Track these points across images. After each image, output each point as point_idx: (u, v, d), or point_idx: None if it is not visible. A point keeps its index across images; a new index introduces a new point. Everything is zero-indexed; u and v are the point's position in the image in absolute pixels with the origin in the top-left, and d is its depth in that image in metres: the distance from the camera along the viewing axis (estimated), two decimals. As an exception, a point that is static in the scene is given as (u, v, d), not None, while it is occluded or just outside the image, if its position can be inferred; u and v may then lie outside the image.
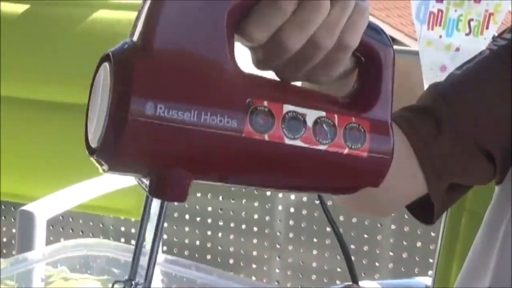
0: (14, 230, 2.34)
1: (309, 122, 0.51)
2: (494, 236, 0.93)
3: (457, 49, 1.98)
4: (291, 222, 2.16)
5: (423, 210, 0.88)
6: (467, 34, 1.94)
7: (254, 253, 2.19)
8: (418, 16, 1.97)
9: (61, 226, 2.21)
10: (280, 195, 2.10)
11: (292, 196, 2.08)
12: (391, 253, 2.11)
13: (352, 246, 2.07)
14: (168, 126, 0.47)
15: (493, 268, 0.91)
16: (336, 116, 0.53)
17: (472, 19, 1.93)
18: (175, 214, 2.24)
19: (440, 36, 1.96)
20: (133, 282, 0.54)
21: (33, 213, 1.40)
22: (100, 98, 0.49)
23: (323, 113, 0.52)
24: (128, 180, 1.71)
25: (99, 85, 0.50)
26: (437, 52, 2.00)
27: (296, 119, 0.51)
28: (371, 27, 0.56)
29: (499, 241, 0.91)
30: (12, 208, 2.37)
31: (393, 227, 2.12)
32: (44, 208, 1.43)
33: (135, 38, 0.49)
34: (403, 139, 0.83)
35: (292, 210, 2.12)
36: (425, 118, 0.85)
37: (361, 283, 0.91)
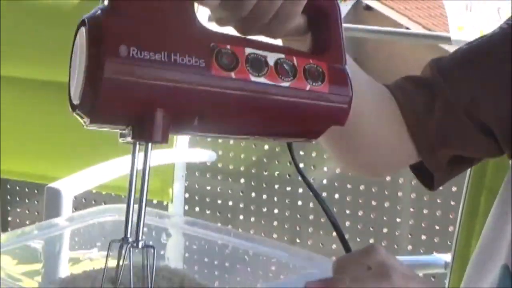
0: (36, 213, 2.40)
1: (271, 62, 0.56)
2: (509, 210, 0.92)
3: None
4: (311, 205, 2.18)
5: (428, 176, 0.89)
6: (498, 21, 1.97)
7: (275, 235, 2.22)
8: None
9: (84, 208, 2.25)
10: (300, 178, 2.12)
11: (312, 180, 2.10)
12: (409, 236, 2.11)
13: (371, 229, 2.09)
14: (141, 68, 0.50)
15: (508, 244, 0.90)
16: (294, 57, 0.57)
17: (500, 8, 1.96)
18: (196, 197, 2.28)
19: (472, 22, 2.01)
20: (129, 239, 0.55)
21: (60, 190, 1.43)
22: (79, 58, 0.53)
23: (282, 55, 0.57)
24: (152, 160, 1.74)
25: (77, 48, 0.54)
26: (468, 37, 2.02)
27: (258, 60, 0.55)
28: None
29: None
30: (36, 191, 2.42)
31: (411, 209, 2.13)
32: (71, 185, 1.46)
33: (105, 2, 0.53)
34: (395, 109, 0.85)
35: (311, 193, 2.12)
36: (421, 90, 0.86)
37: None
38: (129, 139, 0.54)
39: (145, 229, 0.87)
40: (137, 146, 0.55)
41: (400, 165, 0.93)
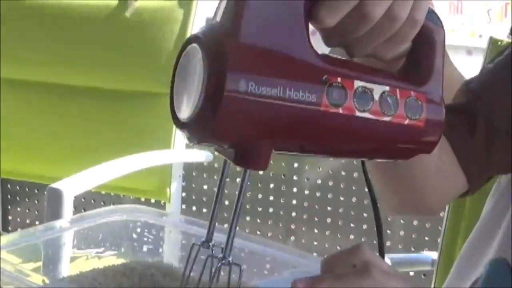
0: (36, 212, 2.42)
1: (376, 96, 0.56)
2: (505, 209, 0.94)
3: (480, 36, 2.04)
4: (305, 204, 2.18)
5: None
6: (488, 22, 2.00)
7: (269, 234, 2.23)
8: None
9: (83, 208, 2.27)
10: (295, 177, 2.14)
11: (306, 179, 2.13)
12: (400, 234, 2.12)
13: (364, 226, 2.10)
14: (258, 101, 0.51)
15: (501, 238, 0.93)
16: (398, 90, 0.58)
17: (490, 9, 1.98)
18: (193, 197, 2.29)
19: (463, 24, 2.02)
20: (210, 244, 0.59)
21: (61, 190, 1.46)
22: (190, 76, 0.52)
23: (387, 88, 0.57)
24: (150, 161, 1.79)
25: (187, 64, 0.53)
26: (460, 39, 2.07)
27: (365, 94, 0.56)
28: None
29: (509, 214, 0.92)
30: (36, 190, 2.44)
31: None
32: (72, 185, 1.49)
33: (220, 19, 0.52)
34: (442, 140, 0.83)
35: (306, 192, 2.15)
36: (460, 116, 0.86)
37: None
38: (227, 157, 0.55)
39: (144, 226, 0.90)
40: (228, 163, 0.56)
41: (452, 197, 0.93)
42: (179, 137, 1.81)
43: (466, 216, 1.32)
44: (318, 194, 2.13)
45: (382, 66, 0.61)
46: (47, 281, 0.76)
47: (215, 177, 2.23)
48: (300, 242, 2.20)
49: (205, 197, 2.28)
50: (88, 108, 1.90)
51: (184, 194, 2.25)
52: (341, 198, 2.13)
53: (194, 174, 2.23)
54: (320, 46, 0.58)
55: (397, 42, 0.59)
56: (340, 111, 0.55)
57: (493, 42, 1.28)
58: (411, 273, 1.82)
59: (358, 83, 0.56)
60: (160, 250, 0.76)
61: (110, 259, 0.85)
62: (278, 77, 0.52)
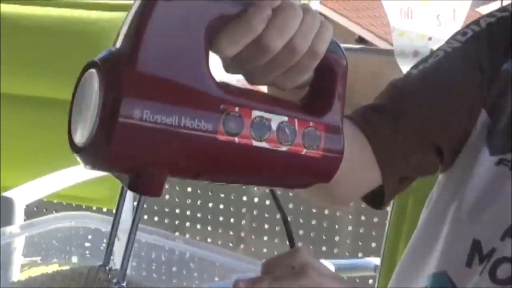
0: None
1: (274, 126, 0.57)
2: (441, 221, 0.96)
3: (430, 39, 2.10)
4: (255, 212, 2.22)
5: (374, 196, 0.92)
6: (437, 26, 2.08)
7: (220, 241, 2.26)
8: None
9: (36, 217, 2.26)
10: (244, 186, 2.17)
11: (255, 188, 2.17)
12: (348, 241, 2.19)
13: (312, 234, 2.16)
14: (153, 128, 0.51)
15: (441, 252, 0.94)
16: (296, 120, 0.58)
17: (439, 14, 2.07)
18: (144, 205, 2.28)
19: (413, 27, 2.09)
20: (107, 268, 0.57)
21: (13, 199, 1.47)
22: (86, 101, 0.52)
23: (286, 118, 0.58)
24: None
25: (85, 89, 0.53)
26: (410, 41, 2.13)
27: (263, 124, 0.56)
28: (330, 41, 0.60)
29: (447, 227, 0.94)
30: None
31: (350, 216, 2.21)
32: (23, 194, 1.51)
33: (119, 46, 0.52)
34: (360, 137, 0.87)
35: (256, 200, 2.20)
36: (383, 116, 0.89)
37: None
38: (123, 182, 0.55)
39: (92, 232, 0.93)
40: (125, 190, 0.57)
41: (365, 192, 0.95)
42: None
43: (407, 219, 1.32)
44: (267, 202, 2.18)
45: (285, 95, 0.62)
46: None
47: (166, 186, 2.22)
48: (250, 249, 2.25)
49: (156, 206, 2.31)
50: (40, 118, 1.91)
51: (135, 203, 2.23)
52: (290, 206, 2.18)
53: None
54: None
55: (297, 73, 0.60)
56: (236, 140, 0.55)
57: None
58: (358, 280, 1.89)
59: (256, 113, 0.56)
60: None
61: (59, 264, 0.88)
62: (174, 106, 0.52)
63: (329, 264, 1.42)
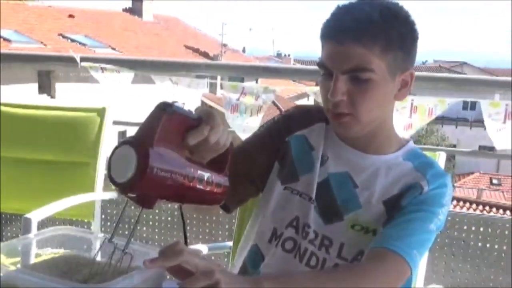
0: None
1: (205, 178, 0.92)
2: (257, 217, 1.29)
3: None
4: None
5: (224, 207, 1.25)
6: (250, 116, 2.54)
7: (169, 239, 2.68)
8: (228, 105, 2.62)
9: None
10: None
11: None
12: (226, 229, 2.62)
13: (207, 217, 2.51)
14: (162, 179, 0.81)
15: (256, 233, 1.26)
16: (213, 175, 0.93)
17: (252, 109, 2.52)
18: (113, 217, 2.77)
19: (237, 117, 2.56)
20: (113, 241, 0.88)
21: (31, 218, 1.95)
22: (123, 161, 0.80)
23: (209, 174, 0.93)
24: (80, 199, 2.24)
25: (121, 153, 0.81)
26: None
27: (201, 177, 0.90)
28: None
29: (259, 220, 1.27)
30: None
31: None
32: (36, 215, 1.99)
33: (136, 134, 0.82)
34: None
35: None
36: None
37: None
38: (129, 195, 0.82)
39: (74, 240, 1.09)
40: (127, 200, 0.86)
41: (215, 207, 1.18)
42: (99, 183, 2.39)
43: (247, 216, 1.62)
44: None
45: (202, 159, 0.94)
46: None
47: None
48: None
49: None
50: (45, 170, 2.50)
51: (103, 216, 2.69)
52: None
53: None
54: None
55: (214, 152, 0.94)
56: (191, 184, 0.87)
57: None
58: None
59: (199, 172, 0.90)
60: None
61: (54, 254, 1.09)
62: (171, 168, 0.83)
63: (204, 247, 1.90)
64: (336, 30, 1.12)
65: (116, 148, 0.84)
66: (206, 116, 0.92)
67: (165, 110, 0.84)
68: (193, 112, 0.91)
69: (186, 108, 0.88)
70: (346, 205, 1.20)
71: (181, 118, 0.87)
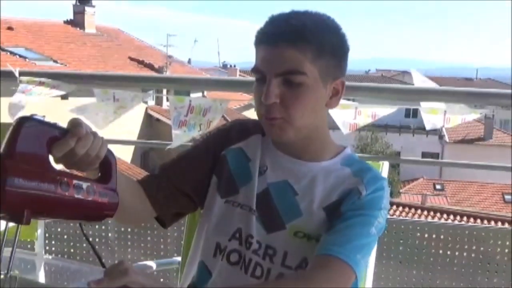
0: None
1: (84, 187, 0.92)
2: (202, 232, 1.31)
3: None
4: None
5: (159, 220, 1.29)
6: (199, 131, 2.47)
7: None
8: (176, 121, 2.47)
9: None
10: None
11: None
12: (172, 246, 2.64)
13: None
14: (24, 193, 0.80)
15: (201, 248, 1.29)
16: (94, 185, 0.95)
17: (202, 123, 2.45)
18: (57, 237, 2.76)
19: (185, 131, 2.44)
20: None
21: None
22: None
23: (89, 183, 0.93)
24: None
25: None
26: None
27: (79, 186, 0.92)
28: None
29: (203, 234, 1.29)
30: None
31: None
32: None
33: (2, 148, 0.81)
34: (142, 192, 1.22)
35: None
36: (153, 179, 1.25)
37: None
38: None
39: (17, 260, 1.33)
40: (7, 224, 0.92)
41: (146, 218, 1.29)
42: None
43: (196, 220, 1.60)
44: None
45: (89, 175, 0.97)
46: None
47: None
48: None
49: (66, 236, 2.73)
50: None
51: (47, 235, 2.68)
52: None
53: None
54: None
55: (90, 164, 0.95)
56: (66, 193, 0.87)
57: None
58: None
59: (75, 181, 0.89)
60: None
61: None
62: (35, 179, 0.82)
63: (152, 263, 1.87)
64: (270, 34, 1.15)
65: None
66: (72, 127, 0.91)
67: (22, 123, 0.84)
68: (59, 125, 0.91)
69: (50, 121, 0.89)
70: (287, 213, 1.22)
71: (44, 130, 0.87)
